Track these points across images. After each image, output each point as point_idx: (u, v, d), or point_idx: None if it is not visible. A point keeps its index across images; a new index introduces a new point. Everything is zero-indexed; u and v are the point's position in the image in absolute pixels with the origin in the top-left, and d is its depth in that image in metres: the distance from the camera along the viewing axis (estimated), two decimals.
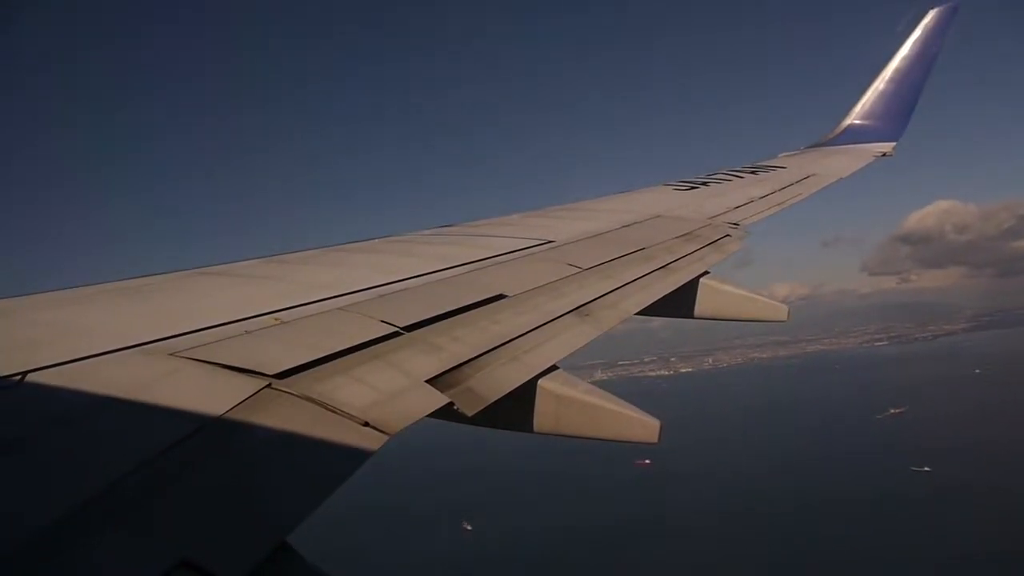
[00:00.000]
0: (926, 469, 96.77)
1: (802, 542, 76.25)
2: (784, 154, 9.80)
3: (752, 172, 7.96)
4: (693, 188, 6.87)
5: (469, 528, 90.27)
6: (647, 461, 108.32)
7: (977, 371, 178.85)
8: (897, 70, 10.24)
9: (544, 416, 2.49)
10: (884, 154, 9.36)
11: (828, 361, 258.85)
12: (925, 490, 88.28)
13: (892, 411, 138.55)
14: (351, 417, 1.77)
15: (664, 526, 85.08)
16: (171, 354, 2.00)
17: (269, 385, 1.84)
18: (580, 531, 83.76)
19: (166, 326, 2.21)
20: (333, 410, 1.79)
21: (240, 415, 1.68)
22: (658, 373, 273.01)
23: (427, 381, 2.09)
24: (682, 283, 3.85)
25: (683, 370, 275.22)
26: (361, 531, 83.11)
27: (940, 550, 69.89)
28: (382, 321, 2.45)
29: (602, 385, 2.76)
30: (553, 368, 2.49)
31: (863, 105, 10.35)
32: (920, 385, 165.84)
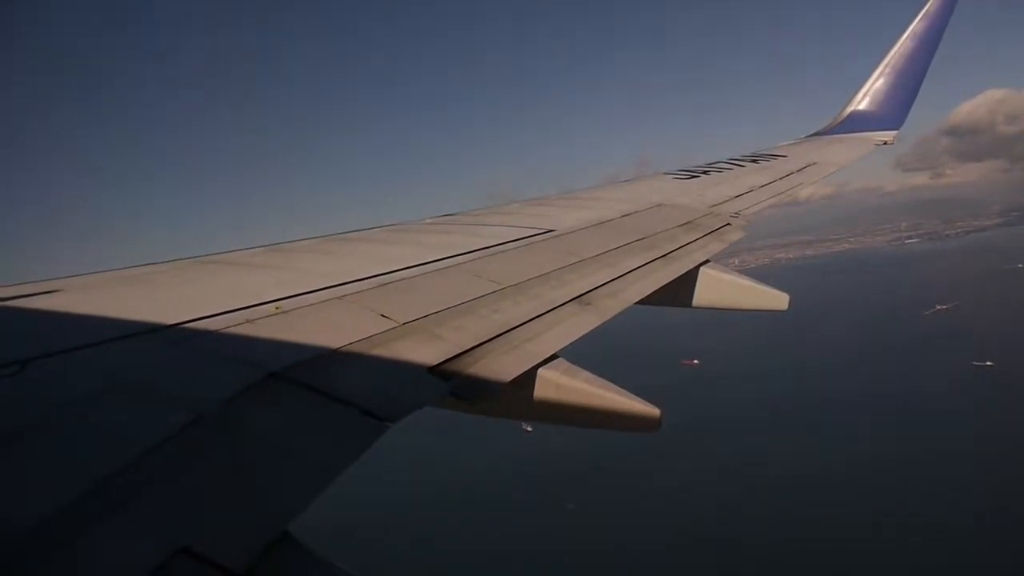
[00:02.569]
0: (988, 364, 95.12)
1: (881, 433, 76.32)
2: (786, 143, 9.76)
3: (753, 161, 7.93)
4: (694, 177, 6.84)
5: (530, 430, 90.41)
6: (695, 361, 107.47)
7: (1020, 265, 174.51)
8: (900, 57, 10.17)
9: (545, 405, 2.50)
10: (885, 142, 9.32)
11: (859, 259, 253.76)
12: (992, 385, 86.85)
13: (939, 307, 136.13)
14: (352, 406, 1.78)
15: (732, 424, 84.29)
16: (172, 343, 2.00)
17: (270, 374, 1.84)
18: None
19: (167, 315, 2.20)
20: (334, 399, 1.79)
21: (241, 404, 1.68)
22: None
23: (428, 370, 2.09)
24: (683, 272, 3.85)
25: None
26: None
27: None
28: (383, 311, 2.45)
29: None
30: (554, 357, 2.49)
31: (866, 92, 10.29)
32: (963, 281, 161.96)
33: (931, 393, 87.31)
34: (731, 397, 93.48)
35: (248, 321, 2.24)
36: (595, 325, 2.81)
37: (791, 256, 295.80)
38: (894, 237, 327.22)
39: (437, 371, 2.10)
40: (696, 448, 77.73)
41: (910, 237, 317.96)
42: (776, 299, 4.17)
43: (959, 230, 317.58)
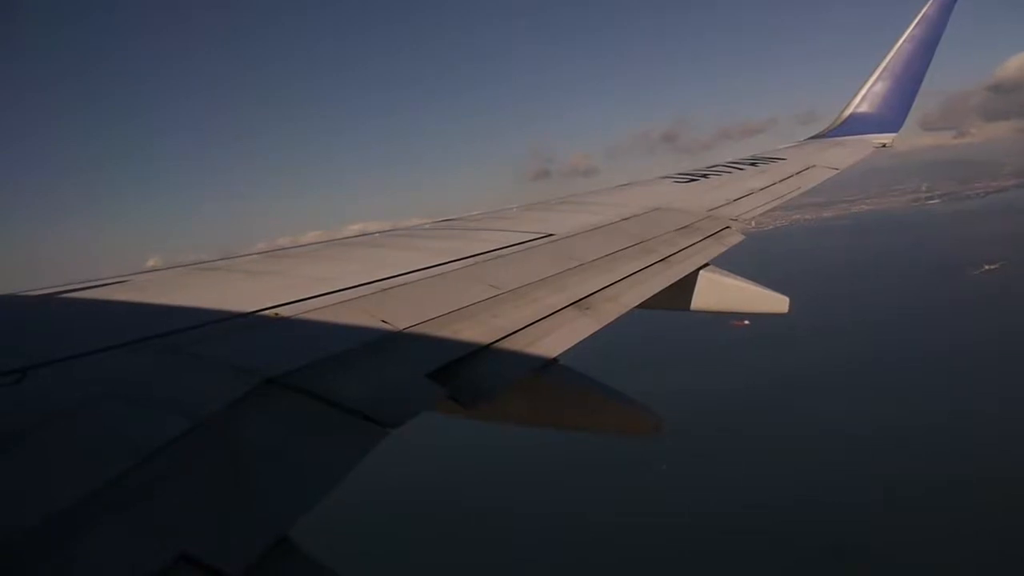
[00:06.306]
0: None
1: (956, 388, 74.47)
2: (785, 146, 9.79)
3: (752, 164, 7.95)
4: (693, 181, 6.85)
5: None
6: (746, 322, 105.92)
7: None
8: (899, 58, 10.21)
9: (545, 410, 2.50)
10: (884, 145, 9.35)
11: (884, 220, 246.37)
12: None
13: (987, 267, 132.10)
14: (351, 412, 1.78)
15: (805, 383, 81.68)
16: (171, 349, 2.00)
17: (270, 380, 1.84)
18: (699, 394, 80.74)
19: (165, 322, 2.21)
20: (334, 404, 1.79)
21: (241, 410, 1.68)
22: None
23: (428, 375, 2.09)
24: (683, 275, 3.85)
25: None
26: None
27: None
28: (382, 316, 2.45)
29: None
30: (554, 362, 2.49)
31: (865, 94, 10.32)
32: (1001, 241, 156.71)
33: (1008, 348, 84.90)
34: (788, 357, 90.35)
35: (247, 327, 2.24)
36: (594, 330, 2.81)
37: (808, 218, 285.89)
38: (913, 198, 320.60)
39: (437, 376, 2.10)
40: (771, 408, 76.13)
41: (931, 198, 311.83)
42: (776, 302, 4.17)
43: (978, 191, 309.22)
